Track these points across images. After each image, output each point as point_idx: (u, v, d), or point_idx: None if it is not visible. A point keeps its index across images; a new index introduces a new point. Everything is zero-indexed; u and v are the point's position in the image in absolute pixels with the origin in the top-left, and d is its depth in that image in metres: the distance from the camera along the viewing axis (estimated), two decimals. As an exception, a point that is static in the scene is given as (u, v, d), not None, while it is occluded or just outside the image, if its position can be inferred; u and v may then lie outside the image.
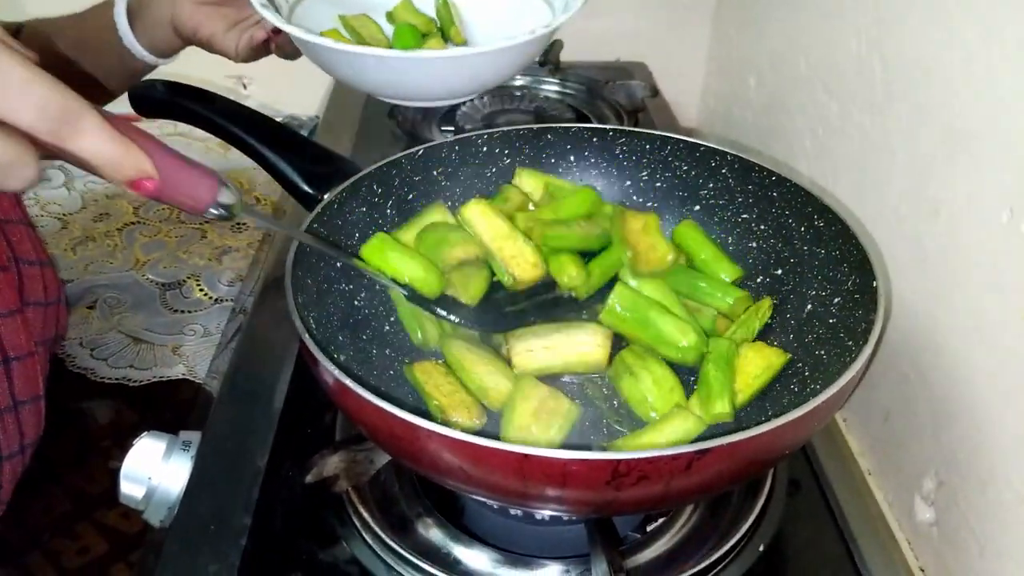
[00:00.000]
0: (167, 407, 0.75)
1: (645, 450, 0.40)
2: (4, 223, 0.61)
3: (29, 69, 0.36)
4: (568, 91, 1.07)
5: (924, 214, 0.60)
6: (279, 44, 0.78)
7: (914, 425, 0.61)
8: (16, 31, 0.74)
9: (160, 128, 0.98)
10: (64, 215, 0.96)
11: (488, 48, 0.74)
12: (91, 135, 0.37)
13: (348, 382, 0.43)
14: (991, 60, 0.53)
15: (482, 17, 0.88)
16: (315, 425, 0.63)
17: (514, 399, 0.53)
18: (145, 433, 0.58)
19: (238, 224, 0.94)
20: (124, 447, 0.57)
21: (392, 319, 0.62)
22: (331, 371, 0.44)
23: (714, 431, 0.51)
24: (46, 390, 0.63)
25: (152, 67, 0.79)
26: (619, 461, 0.39)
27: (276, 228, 0.56)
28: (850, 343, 0.53)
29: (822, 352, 0.57)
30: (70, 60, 0.74)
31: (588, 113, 1.02)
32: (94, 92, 0.76)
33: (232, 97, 0.78)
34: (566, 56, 1.09)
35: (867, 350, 0.47)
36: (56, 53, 0.74)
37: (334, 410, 0.63)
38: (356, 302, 0.60)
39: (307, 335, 0.47)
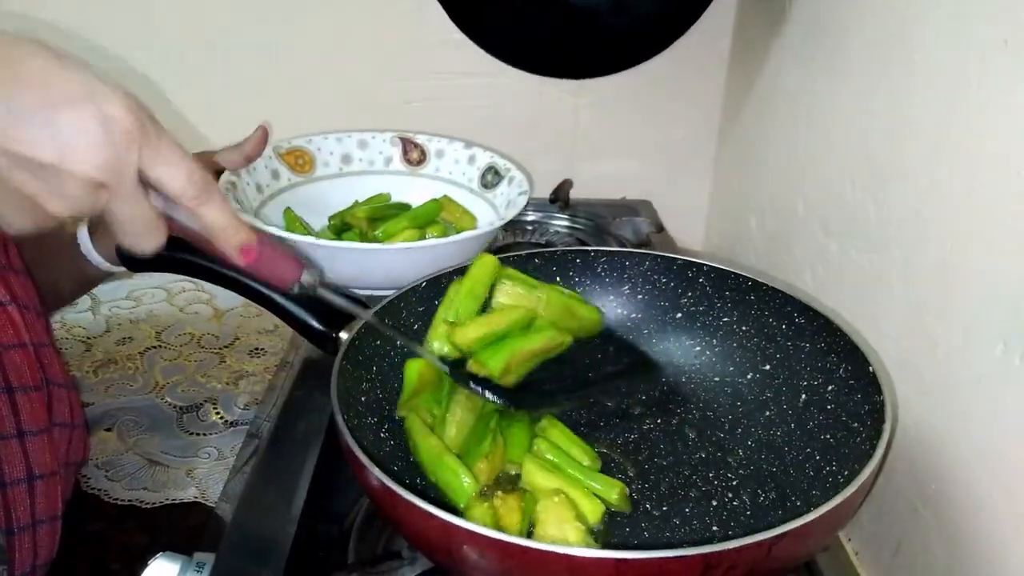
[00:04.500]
0: (177, 530, 0.75)
1: (733, 541, 0.42)
2: (38, 346, 0.64)
3: (182, 147, 0.43)
4: (577, 226, 1.12)
5: (923, 348, 0.62)
6: None
7: (926, 557, 0.61)
8: None
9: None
10: (88, 338, 0.99)
11: (393, 247, 0.80)
12: (218, 205, 0.45)
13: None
14: (978, 203, 0.56)
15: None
16: (328, 548, 0.63)
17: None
18: (160, 554, 0.58)
19: (257, 349, 0.97)
20: (134, 569, 0.57)
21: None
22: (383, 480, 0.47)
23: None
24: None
25: (108, 275, 0.77)
26: (710, 554, 0.42)
27: (352, 310, 0.61)
28: (856, 424, 0.57)
29: (828, 436, 0.60)
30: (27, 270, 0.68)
31: (595, 246, 1.06)
32: (46, 299, 0.71)
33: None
34: (575, 194, 1.14)
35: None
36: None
37: (347, 533, 0.64)
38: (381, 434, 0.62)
39: (356, 446, 0.50)
